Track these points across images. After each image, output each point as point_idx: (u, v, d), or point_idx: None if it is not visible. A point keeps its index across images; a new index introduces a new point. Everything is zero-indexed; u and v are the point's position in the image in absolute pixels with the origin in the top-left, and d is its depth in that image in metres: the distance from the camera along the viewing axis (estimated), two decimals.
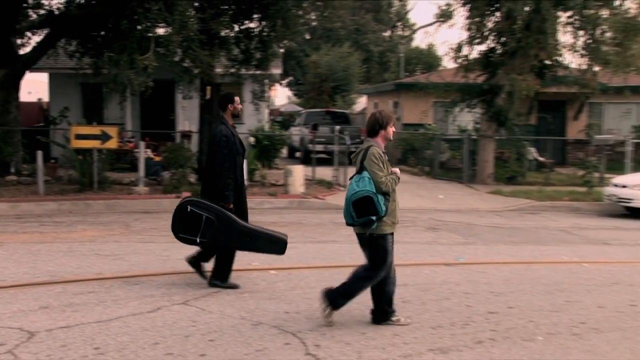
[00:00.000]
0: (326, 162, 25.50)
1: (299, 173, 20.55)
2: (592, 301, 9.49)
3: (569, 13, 23.64)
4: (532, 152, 28.21)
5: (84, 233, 14.21)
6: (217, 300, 8.90)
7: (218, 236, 9.30)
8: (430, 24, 31.13)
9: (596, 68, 24.99)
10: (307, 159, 27.64)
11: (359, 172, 8.00)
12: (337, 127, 26.52)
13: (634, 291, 10.16)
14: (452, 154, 28.26)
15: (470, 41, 24.55)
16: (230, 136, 9.59)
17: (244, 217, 9.83)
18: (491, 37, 24.41)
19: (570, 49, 24.70)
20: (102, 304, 8.56)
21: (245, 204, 10.05)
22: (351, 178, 8.15)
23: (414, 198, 21.26)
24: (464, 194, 22.48)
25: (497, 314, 8.63)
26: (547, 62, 24.61)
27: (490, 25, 24.23)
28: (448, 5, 24.88)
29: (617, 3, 23.80)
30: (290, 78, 55.44)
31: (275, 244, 9.78)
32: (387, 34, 62.64)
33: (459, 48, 24.94)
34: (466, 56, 25.07)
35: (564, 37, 24.75)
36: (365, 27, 56.29)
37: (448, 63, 28.35)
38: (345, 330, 7.75)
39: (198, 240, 9.31)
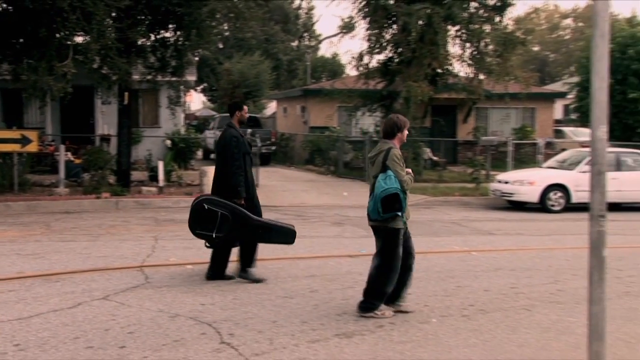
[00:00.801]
0: None
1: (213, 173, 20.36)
2: (479, 285, 9.70)
3: (457, 27, 24.08)
4: (427, 152, 28.66)
5: (4, 234, 13.72)
6: (136, 295, 8.73)
7: (233, 231, 9.29)
8: (335, 35, 31.48)
9: (481, 76, 25.46)
10: None
11: (384, 170, 7.91)
12: (249, 130, 26.39)
13: (515, 275, 10.45)
14: (355, 154, 28.42)
15: (371, 51, 24.80)
16: (239, 137, 9.71)
17: (257, 211, 9.86)
18: (389, 48, 24.70)
19: (459, 59, 25.22)
20: (22, 302, 8.29)
21: (256, 199, 10.04)
22: (375, 176, 8.09)
23: (321, 195, 21.37)
24: (366, 191, 22.29)
25: None
26: (439, 70, 24.95)
27: (388, 36, 24.47)
28: (350, 18, 25.09)
29: (497, 20, 24.33)
30: (205, 84, 55.02)
31: (286, 235, 9.85)
32: (294, 43, 62.78)
33: (360, 57, 25.19)
34: (367, 65, 25.31)
35: (454, 48, 25.14)
36: (274, 37, 56.32)
37: (351, 71, 28.74)
38: (257, 320, 7.68)
39: (214, 236, 9.24)
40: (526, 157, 28.60)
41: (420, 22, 22.34)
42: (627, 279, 10.42)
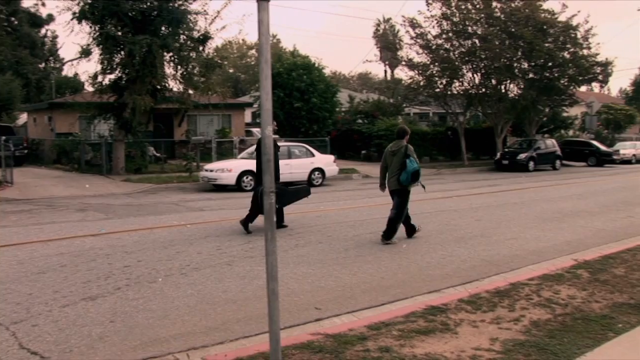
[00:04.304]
0: None
1: None
2: (194, 250, 9.72)
3: (171, 53, 23.76)
4: (151, 150, 28.24)
5: None
6: None
7: (282, 200, 11.34)
8: (75, 59, 29.07)
9: (190, 91, 25.40)
10: None
11: (407, 157, 9.96)
12: (3, 138, 23.93)
13: (219, 240, 10.63)
14: (94, 154, 27.15)
15: (104, 72, 23.75)
16: (274, 141, 11.03)
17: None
18: (119, 69, 23.79)
19: (173, 78, 24.86)
20: None
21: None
22: (391, 162, 10.22)
23: (67, 188, 20.05)
24: (104, 183, 21.64)
25: (130, 267, 8.48)
26: (159, 86, 24.52)
27: (117, 60, 23.57)
28: (87, 45, 23.54)
29: (201, 49, 24.30)
30: None
31: (305, 191, 12.38)
32: (42, 65, 58.04)
33: (95, 76, 24.00)
34: (101, 82, 24.13)
35: (169, 69, 24.73)
36: (24, 59, 51.56)
37: (89, 87, 27.07)
38: (15, 294, 7.09)
39: (277, 206, 10.53)
40: (226, 151, 29.09)
41: (143, 49, 21.76)
42: (297, 235, 11.09)
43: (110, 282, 7.63)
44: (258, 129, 39.15)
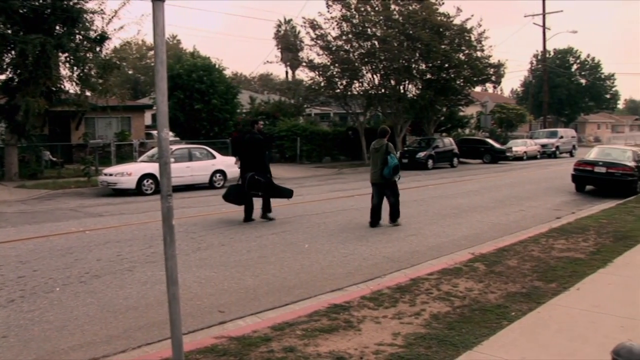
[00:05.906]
0: None
1: None
2: (93, 257, 9.39)
3: (67, 54, 22.78)
4: (47, 155, 27.05)
5: None
6: None
7: (268, 190, 12.61)
8: None
9: (88, 93, 24.55)
10: None
11: (388, 154, 11.57)
12: None
13: (120, 245, 10.30)
14: None
15: None
16: (263, 139, 12.70)
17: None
18: (9, 69, 22.52)
19: (69, 79, 23.86)
20: None
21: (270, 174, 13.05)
22: (375, 158, 11.88)
23: None
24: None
25: (25, 277, 8.08)
26: (54, 88, 23.45)
27: (8, 60, 22.28)
28: None
29: (98, 49, 23.44)
30: None
31: (289, 192, 13.42)
32: None
33: None
34: None
35: (65, 70, 23.69)
36: None
37: None
38: None
39: (260, 194, 12.52)
40: (126, 154, 28.41)
41: (36, 49, 20.74)
42: (199, 238, 10.95)
43: (2, 294, 7.24)
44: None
